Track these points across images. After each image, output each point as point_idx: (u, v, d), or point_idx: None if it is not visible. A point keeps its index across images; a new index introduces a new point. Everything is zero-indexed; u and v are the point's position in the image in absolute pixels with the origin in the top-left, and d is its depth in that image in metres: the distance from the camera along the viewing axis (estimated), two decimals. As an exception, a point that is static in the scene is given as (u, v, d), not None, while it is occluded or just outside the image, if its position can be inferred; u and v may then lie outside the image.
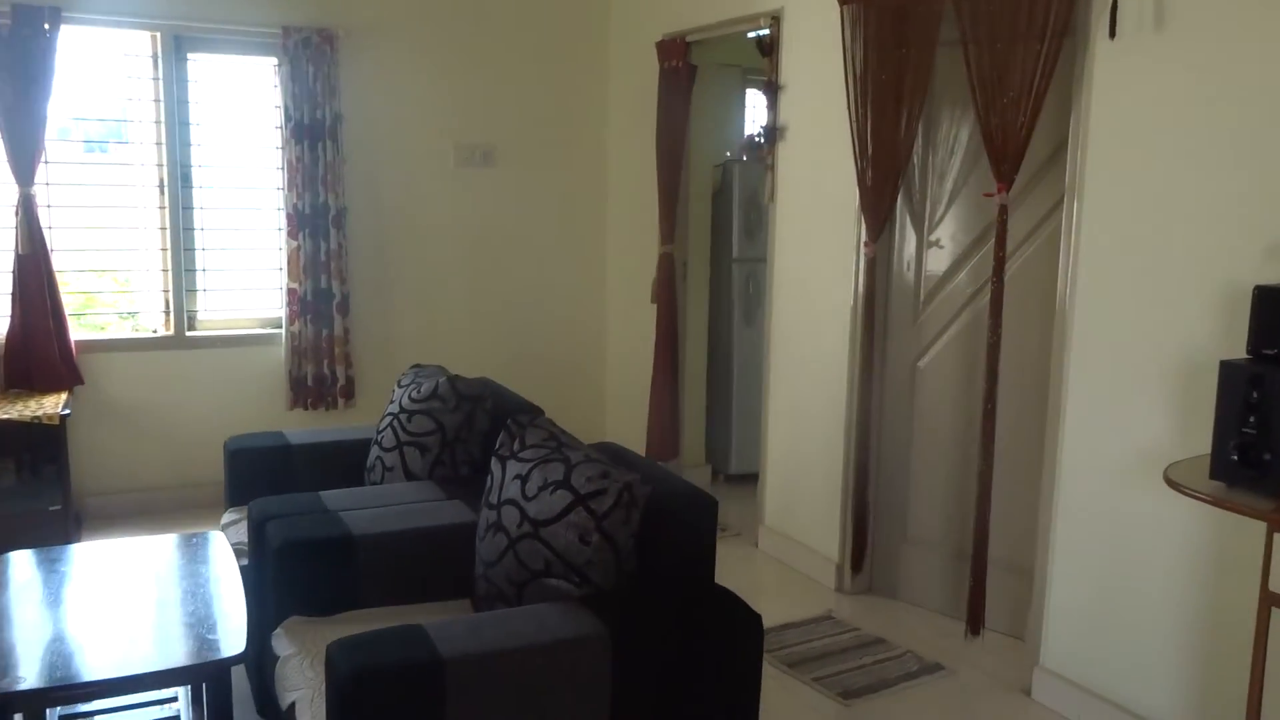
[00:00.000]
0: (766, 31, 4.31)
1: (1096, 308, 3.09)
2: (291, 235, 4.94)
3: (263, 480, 3.44)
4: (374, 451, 3.39)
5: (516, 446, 2.62)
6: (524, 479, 2.50)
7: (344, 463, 3.52)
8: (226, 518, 3.44)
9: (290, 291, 4.98)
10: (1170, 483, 2.49)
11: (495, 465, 2.64)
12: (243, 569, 2.88)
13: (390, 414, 3.39)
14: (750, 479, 5.06)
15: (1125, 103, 2.97)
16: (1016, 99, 3.15)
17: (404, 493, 3.06)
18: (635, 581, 2.39)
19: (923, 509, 3.92)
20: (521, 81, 5.44)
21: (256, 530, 2.81)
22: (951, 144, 3.73)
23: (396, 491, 3.07)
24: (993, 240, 3.59)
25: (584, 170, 5.66)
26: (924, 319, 3.86)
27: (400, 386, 3.50)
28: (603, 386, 5.91)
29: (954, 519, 3.82)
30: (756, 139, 5.30)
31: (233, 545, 3.05)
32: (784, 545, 4.42)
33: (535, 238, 5.58)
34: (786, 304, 4.37)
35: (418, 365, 3.70)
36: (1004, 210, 3.27)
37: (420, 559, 2.72)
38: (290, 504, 2.92)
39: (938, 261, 3.80)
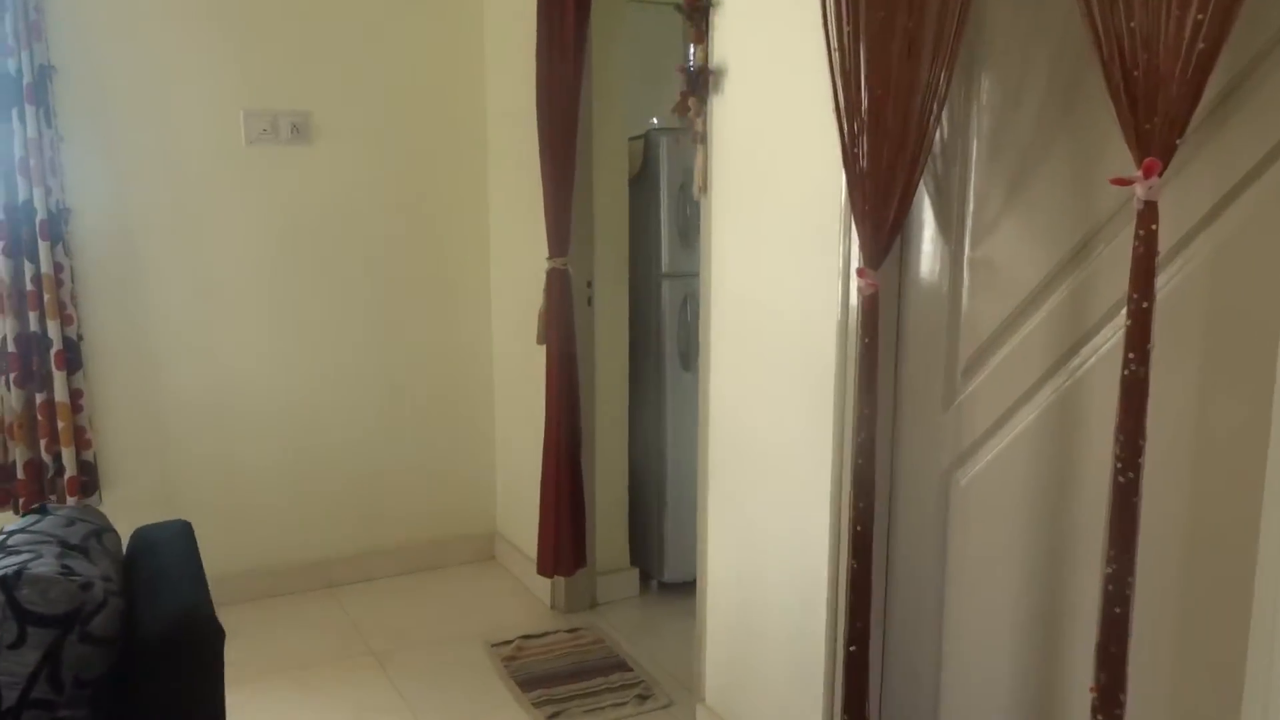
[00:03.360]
0: (690, -88, 2.62)
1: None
2: (-22, 253, 3.22)
3: None
4: (-109, 711, 1.70)
5: None
6: None
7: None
8: None
9: (-19, 339, 3.27)
10: None
11: None
12: None
13: (-81, 637, 1.70)
14: (694, 591, 3.40)
15: None
16: (1184, -19, 1.47)
17: None
18: None
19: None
20: (347, 17, 3.72)
21: None
22: (1018, 90, 2.05)
23: None
24: (1095, 262, 1.94)
25: (450, 148, 3.95)
26: (966, 400, 2.19)
27: (-36, 570, 1.80)
28: (491, 462, 4.21)
29: (1021, 749, 2.16)
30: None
31: None
32: (733, 746, 2.75)
33: (380, 246, 3.87)
34: (730, 356, 2.69)
35: (38, 509, 2.00)
36: (1151, 211, 1.59)
37: None
38: None
39: (991, 300, 2.12)
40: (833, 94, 2.10)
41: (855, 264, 2.19)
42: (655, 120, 3.96)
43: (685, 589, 3.72)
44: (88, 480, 3.43)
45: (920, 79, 1.96)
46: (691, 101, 2.67)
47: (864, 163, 2.07)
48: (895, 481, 2.30)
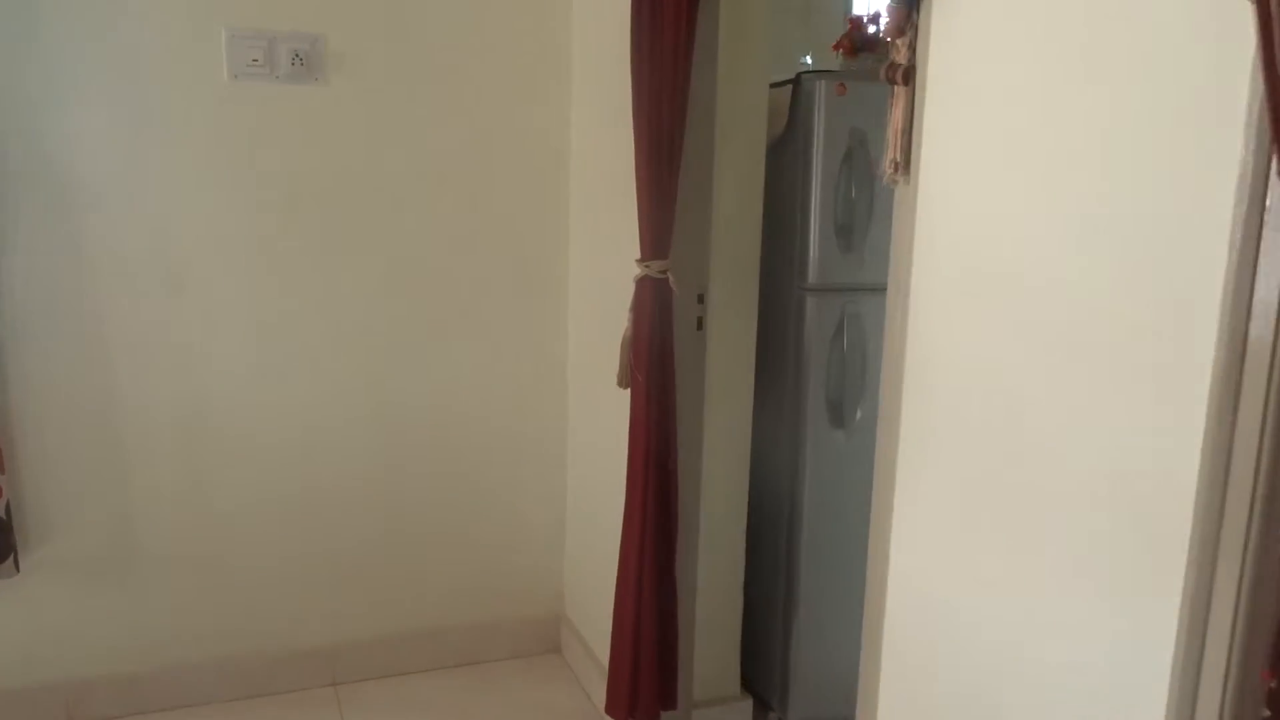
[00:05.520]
0: None
1: None
2: None
3: None
4: None
5: None
6: None
7: None
8: None
9: None
10: None
11: None
12: None
13: None
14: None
15: None
16: None
17: None
18: None
19: None
20: (381, -94, 2.65)
21: None
22: None
23: None
24: None
25: (521, 97, 2.85)
26: None
27: None
28: (559, 524, 3.13)
29: None
30: (871, 22, 2.43)
31: None
32: None
33: (415, 230, 2.81)
34: (939, 465, 1.52)
35: None
36: None
37: None
38: None
39: None
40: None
41: (1270, 327, 1.00)
42: (808, 59, 2.78)
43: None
44: (2, 537, 2.49)
45: None
46: (890, 8, 1.49)
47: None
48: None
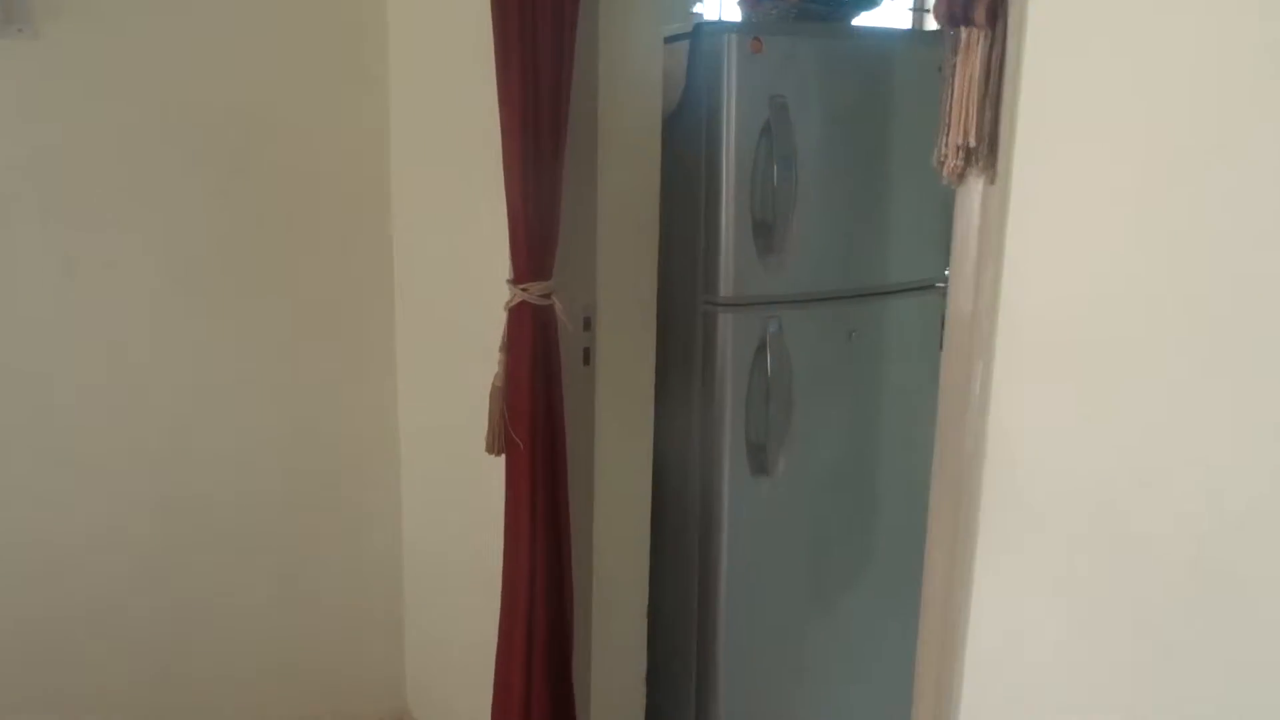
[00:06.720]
0: None
1: None
2: None
3: None
4: None
5: None
6: None
7: None
8: None
9: None
10: None
11: None
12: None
13: None
14: None
15: None
16: None
17: None
18: None
19: None
20: None
21: None
22: None
23: None
24: None
25: (320, 55, 2.16)
26: None
27: None
28: (395, 606, 2.48)
29: None
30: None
31: None
32: None
33: (176, 241, 2.08)
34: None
35: None
36: None
37: None
38: None
39: None
40: None
41: None
42: (699, 9, 2.22)
43: None
44: None
45: None
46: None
47: None
48: None
